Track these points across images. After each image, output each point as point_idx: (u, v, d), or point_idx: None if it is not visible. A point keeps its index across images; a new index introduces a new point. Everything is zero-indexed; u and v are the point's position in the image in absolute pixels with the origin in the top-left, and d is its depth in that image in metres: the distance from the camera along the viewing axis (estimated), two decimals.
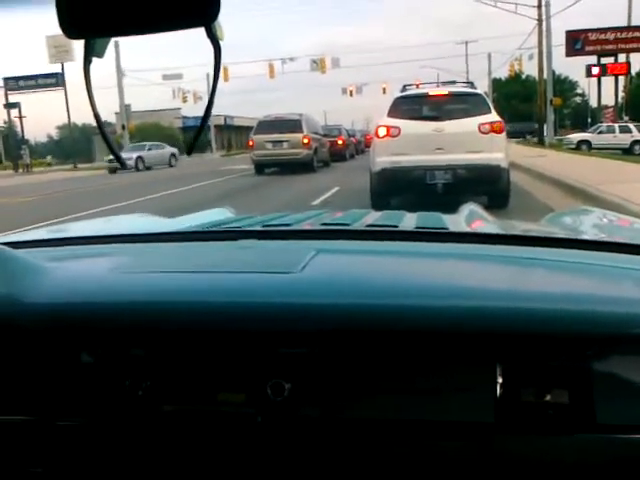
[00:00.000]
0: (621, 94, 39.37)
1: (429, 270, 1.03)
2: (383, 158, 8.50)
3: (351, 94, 54.45)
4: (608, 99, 41.91)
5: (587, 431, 0.77)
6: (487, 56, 52.79)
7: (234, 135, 64.10)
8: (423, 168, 8.26)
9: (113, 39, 0.73)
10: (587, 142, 30.04)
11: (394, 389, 0.81)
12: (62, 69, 38.77)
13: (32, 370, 0.88)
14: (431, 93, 9.11)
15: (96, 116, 0.74)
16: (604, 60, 35.93)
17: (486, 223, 1.78)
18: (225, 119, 60.30)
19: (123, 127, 39.13)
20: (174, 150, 33.00)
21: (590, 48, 35.92)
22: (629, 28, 36.15)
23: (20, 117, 41.09)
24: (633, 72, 43.73)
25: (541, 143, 30.03)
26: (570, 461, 0.78)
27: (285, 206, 9.37)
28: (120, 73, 39.68)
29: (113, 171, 28.25)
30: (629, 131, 30.08)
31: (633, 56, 37.20)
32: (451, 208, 1.98)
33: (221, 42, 0.67)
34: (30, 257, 1.04)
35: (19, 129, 42.59)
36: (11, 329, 0.88)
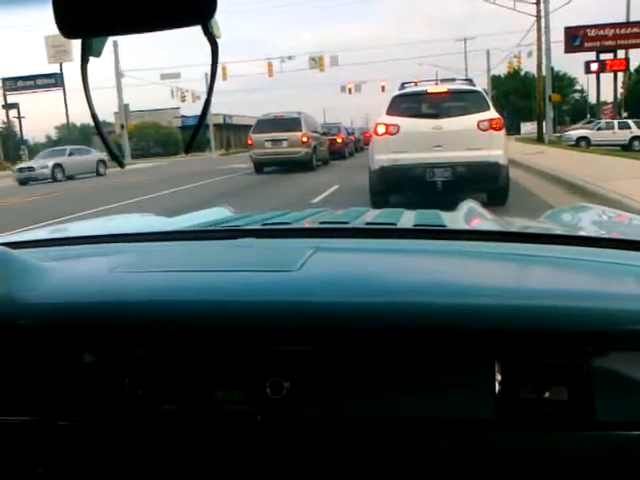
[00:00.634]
0: (620, 90, 39.38)
1: (427, 268, 1.03)
2: (382, 156, 8.50)
3: (350, 92, 54.48)
4: (607, 95, 41.96)
5: (586, 428, 0.77)
6: (486, 53, 52.77)
7: (233, 134, 64.07)
8: (422, 166, 8.26)
9: (111, 38, 0.73)
10: (586, 138, 30.04)
11: (393, 386, 0.81)
12: (61, 69, 38.82)
13: (32, 370, 0.88)
14: (430, 91, 9.10)
15: (94, 116, 0.74)
16: (603, 56, 35.90)
17: (485, 220, 1.78)
18: (224, 118, 60.27)
19: (122, 127, 39.13)
20: (102, 156, 26.61)
21: (589, 44, 35.87)
22: (628, 24, 36.10)
23: (19, 117, 41.12)
24: (632, 68, 43.73)
25: (540, 140, 30.01)
26: (569, 458, 0.78)
27: (285, 205, 9.37)
28: (119, 73, 39.68)
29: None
30: (628, 127, 30.07)
31: (632, 52, 37.21)
32: (450, 205, 1.98)
33: (218, 40, 0.67)
34: (29, 257, 1.04)
35: (18, 130, 42.58)
36: (11, 329, 0.88)
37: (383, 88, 47.61)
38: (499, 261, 1.06)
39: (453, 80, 11.11)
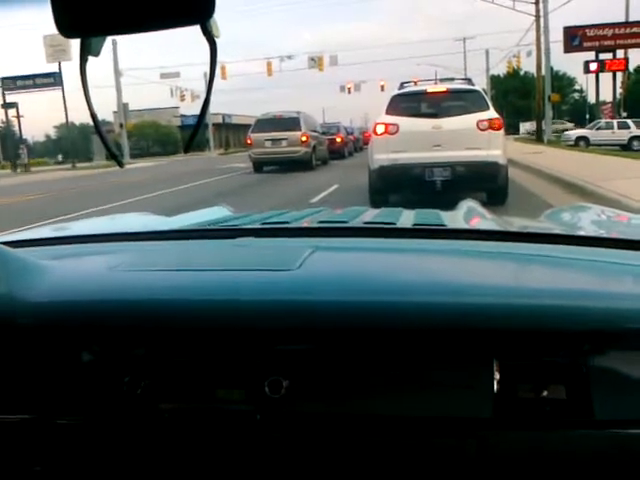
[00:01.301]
0: (619, 90, 39.39)
1: (426, 267, 1.03)
2: (381, 155, 8.50)
3: (349, 92, 54.44)
4: (606, 95, 41.95)
5: (584, 426, 0.77)
6: (485, 53, 52.77)
7: (232, 133, 64.04)
8: (421, 165, 8.26)
9: (110, 38, 0.73)
10: (585, 138, 30.04)
11: (391, 385, 0.81)
12: (59, 68, 38.69)
13: (31, 369, 0.88)
14: (429, 90, 9.11)
15: (93, 115, 0.74)
16: (602, 56, 35.89)
17: (484, 220, 1.78)
18: (223, 117, 60.24)
19: (121, 126, 39.10)
20: None
21: (588, 44, 35.84)
22: (627, 24, 36.08)
23: (18, 117, 40.98)
24: (631, 68, 43.75)
25: (539, 140, 30.02)
26: (568, 456, 0.78)
27: (284, 204, 9.36)
28: (118, 72, 39.65)
29: None
30: (627, 127, 30.08)
31: (631, 52, 37.19)
32: (449, 205, 1.98)
33: (217, 40, 0.67)
34: (28, 256, 1.04)
35: (17, 129, 42.51)
36: (10, 328, 0.88)
37: (382, 88, 47.60)
38: (498, 260, 1.06)
39: (452, 80, 11.12)
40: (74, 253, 1.19)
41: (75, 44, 0.70)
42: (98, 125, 0.77)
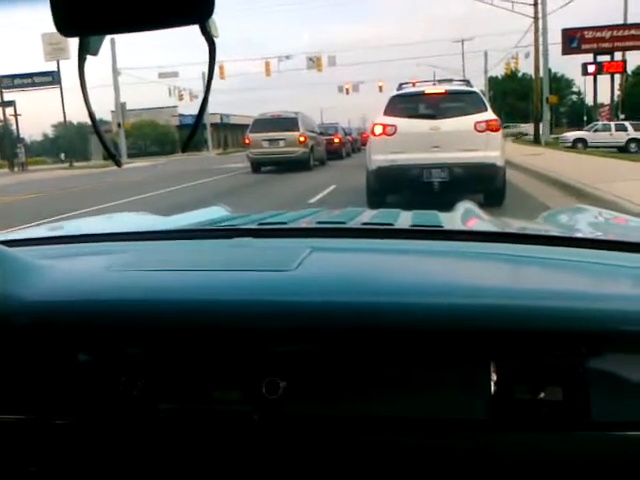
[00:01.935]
0: (617, 92, 39.45)
1: (423, 268, 1.03)
2: (379, 156, 8.50)
3: (347, 92, 54.44)
4: (604, 97, 42.04)
5: (581, 428, 0.77)
6: (483, 54, 52.85)
7: (230, 133, 64.04)
8: (419, 166, 8.26)
9: (109, 36, 0.73)
10: (583, 140, 30.09)
11: (388, 387, 0.81)
12: (58, 67, 38.65)
13: (27, 369, 0.88)
14: (427, 91, 9.12)
15: (91, 114, 0.74)
16: (600, 58, 35.96)
17: (481, 221, 1.78)
18: (221, 117, 60.22)
19: (119, 125, 39.04)
20: None
21: (586, 46, 35.93)
22: (625, 26, 36.17)
23: (15, 115, 40.91)
24: (629, 70, 43.80)
25: (537, 141, 30.06)
26: (564, 458, 0.78)
27: (282, 204, 9.37)
28: (116, 71, 39.61)
29: None
30: (625, 129, 30.14)
31: (629, 54, 37.27)
32: (447, 206, 1.98)
33: (216, 40, 0.67)
34: (25, 255, 1.04)
35: (14, 128, 42.42)
36: (6, 328, 0.88)
37: (381, 88, 47.67)
38: (495, 262, 1.06)
39: (450, 81, 11.14)
40: (70, 253, 1.19)
41: (74, 43, 0.70)
42: (96, 124, 0.77)
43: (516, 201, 8.74)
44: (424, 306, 0.83)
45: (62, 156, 41.72)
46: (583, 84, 60.82)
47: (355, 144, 33.51)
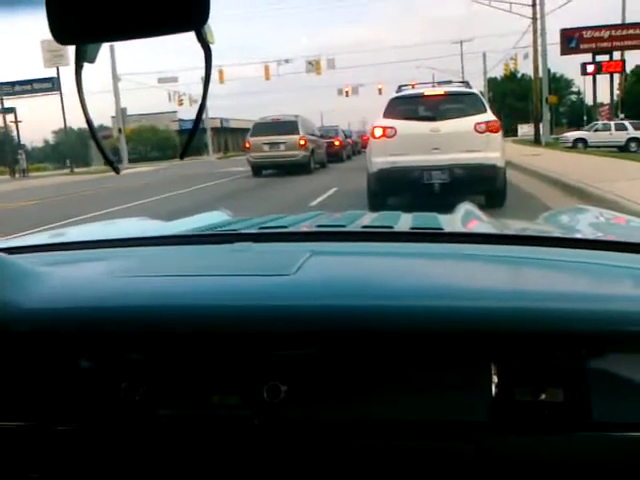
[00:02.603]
0: (616, 92, 39.46)
1: (424, 271, 1.03)
2: (380, 159, 8.51)
3: (347, 95, 54.44)
4: (603, 97, 42.05)
5: (583, 429, 0.77)
6: (482, 55, 52.89)
7: (230, 137, 64.12)
8: (420, 168, 8.27)
9: (107, 43, 0.74)
10: (583, 140, 30.10)
11: (390, 390, 0.81)
12: (57, 73, 38.70)
13: (29, 376, 0.88)
14: (427, 93, 9.12)
15: (88, 122, 0.74)
16: (599, 58, 35.98)
17: (482, 222, 1.78)
18: (221, 121, 60.31)
19: (119, 131, 39.09)
20: None
21: (585, 46, 35.96)
22: (623, 26, 36.20)
23: (16, 122, 41.00)
24: (628, 70, 43.84)
25: (537, 142, 30.06)
26: (566, 460, 0.78)
27: (283, 208, 9.37)
28: (116, 77, 39.68)
29: None
30: (625, 129, 30.15)
31: (628, 54, 37.29)
32: (448, 207, 1.98)
33: (216, 44, 0.67)
34: (25, 263, 1.04)
35: (15, 134, 42.49)
36: (7, 335, 0.88)
37: (380, 91, 47.76)
38: (496, 264, 1.06)
39: (450, 82, 11.13)
40: (71, 259, 1.19)
41: (73, 49, 0.70)
42: (94, 131, 0.77)
43: (517, 202, 8.74)
44: (424, 309, 0.83)
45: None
46: (582, 84, 60.91)
47: (355, 147, 33.54)
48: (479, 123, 8.36)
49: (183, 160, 31.79)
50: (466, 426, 0.79)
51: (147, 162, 44.98)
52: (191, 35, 0.66)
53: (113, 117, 42.51)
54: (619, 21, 36.79)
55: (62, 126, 43.39)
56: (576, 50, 36.15)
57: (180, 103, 51.07)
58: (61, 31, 0.67)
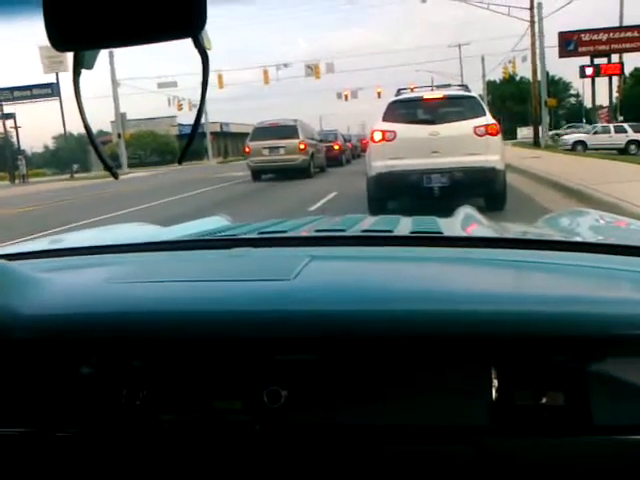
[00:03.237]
0: (615, 94, 39.52)
1: (423, 275, 1.03)
2: (379, 162, 8.51)
3: (346, 99, 54.54)
4: (602, 99, 42.10)
5: (583, 433, 0.77)
6: (481, 59, 53.00)
7: (230, 142, 64.18)
8: (419, 172, 8.27)
9: (105, 50, 0.74)
10: (582, 143, 30.13)
11: (390, 394, 0.81)
12: (57, 79, 38.78)
13: (29, 382, 0.88)
14: (426, 97, 9.14)
15: (86, 127, 0.75)
16: (597, 61, 36.05)
17: (481, 226, 1.78)
18: (221, 126, 60.38)
19: (119, 136, 39.14)
20: None
21: (583, 49, 36.04)
22: (621, 28, 36.29)
23: (16, 127, 41.08)
24: (627, 72, 43.93)
25: (536, 144, 30.10)
26: (567, 463, 0.78)
27: (282, 213, 9.37)
28: (115, 82, 39.75)
29: None
30: (624, 131, 30.17)
31: (626, 56, 37.37)
32: (448, 211, 1.98)
33: (214, 48, 0.68)
34: (25, 269, 1.04)
35: (15, 140, 42.56)
36: (7, 341, 0.88)
37: (379, 94, 47.74)
38: (495, 268, 1.06)
39: (449, 86, 11.15)
40: (71, 265, 1.19)
41: (71, 55, 0.70)
42: (92, 137, 0.77)
43: (517, 204, 8.74)
44: (424, 313, 0.83)
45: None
46: (581, 86, 60.98)
47: (355, 150, 33.58)
48: (478, 126, 8.37)
49: (182, 165, 31.82)
50: (466, 430, 0.79)
51: (147, 167, 45.05)
52: (189, 40, 0.66)
53: (112, 122, 42.54)
54: (617, 24, 36.89)
55: (62, 132, 43.52)
56: (574, 53, 36.22)
57: (179, 108, 51.14)
58: (59, 38, 0.67)
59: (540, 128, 31.44)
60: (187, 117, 53.86)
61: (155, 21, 0.65)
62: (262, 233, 1.46)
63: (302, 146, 19.30)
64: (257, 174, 19.67)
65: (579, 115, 54.09)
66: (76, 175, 38.95)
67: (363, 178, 9.26)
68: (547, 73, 35.85)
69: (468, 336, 0.80)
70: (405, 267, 1.09)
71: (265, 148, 19.20)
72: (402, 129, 8.52)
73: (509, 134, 44.09)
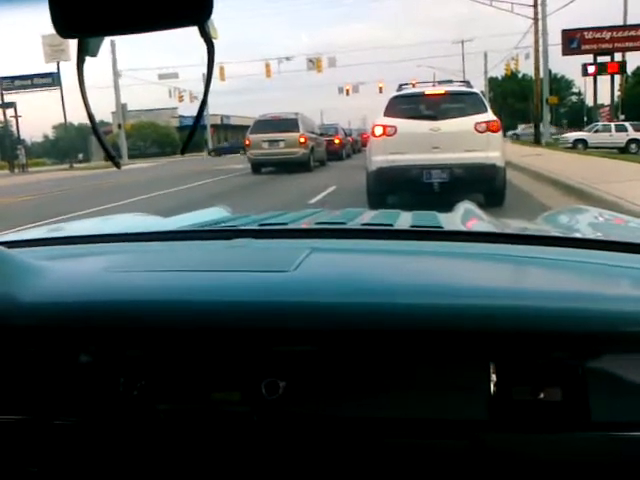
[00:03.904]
0: (617, 93, 39.46)
1: (423, 269, 1.03)
2: (380, 157, 8.50)
3: (347, 93, 54.42)
4: (604, 98, 42.05)
5: (581, 429, 0.77)
6: (483, 55, 52.88)
7: (231, 134, 64.06)
8: (420, 167, 8.26)
9: (108, 38, 0.73)
10: (583, 141, 30.09)
11: (388, 387, 0.81)
12: (58, 68, 38.65)
13: (27, 370, 0.88)
14: (427, 92, 9.12)
15: (90, 116, 0.74)
16: (600, 59, 35.96)
17: (481, 221, 1.78)
18: (222, 118, 60.28)
19: (119, 126, 39.08)
20: None
21: (586, 47, 35.92)
22: (625, 27, 36.17)
23: (16, 117, 40.95)
24: (629, 71, 43.80)
25: (537, 142, 30.06)
26: (564, 458, 0.78)
27: (282, 205, 9.36)
28: (116, 72, 39.64)
29: None
30: (625, 130, 30.13)
31: (629, 55, 37.26)
32: (447, 206, 1.98)
33: (216, 41, 0.67)
34: (25, 257, 1.04)
35: (15, 129, 42.45)
36: (5, 329, 0.88)
37: (381, 89, 47.65)
38: (494, 263, 1.06)
39: (450, 82, 11.13)
40: (71, 254, 1.19)
41: (74, 44, 0.70)
42: (96, 126, 0.77)
43: (517, 201, 8.74)
44: (423, 307, 0.83)
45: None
46: (583, 85, 60.88)
47: (355, 145, 33.50)
48: (479, 123, 8.36)
49: (182, 157, 31.76)
50: (464, 424, 0.79)
51: (147, 158, 44.95)
52: (193, 31, 0.66)
53: (113, 113, 42.44)
54: (621, 22, 36.78)
55: (62, 121, 43.40)
56: (577, 51, 36.10)
57: (180, 99, 51.05)
58: (64, 25, 0.67)
59: (541, 126, 31.38)
60: (188, 109, 53.86)
61: (162, 8, 0.64)
62: (262, 225, 1.46)
63: (302, 139, 19.26)
64: (257, 167, 19.64)
65: (580, 113, 54.00)
66: (75, 165, 38.85)
67: (363, 172, 9.25)
68: (550, 71, 35.76)
69: (467, 330, 0.81)
70: (405, 261, 1.09)
71: (265, 141, 19.17)
72: (403, 124, 8.50)
73: (511, 130, 43.99)
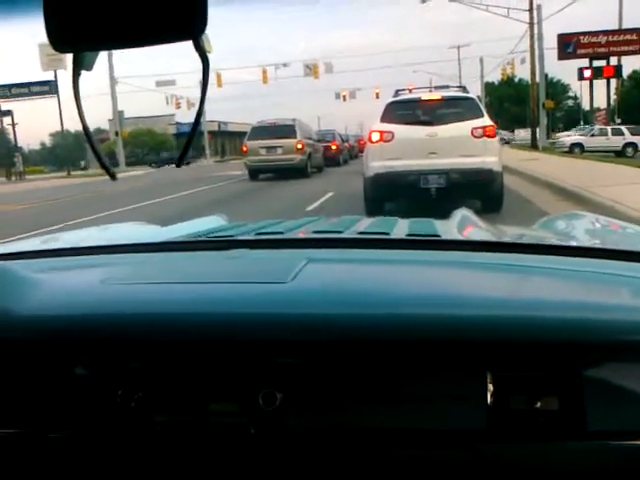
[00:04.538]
0: (613, 97, 39.61)
1: (420, 279, 1.03)
2: (377, 163, 8.51)
3: (344, 99, 54.48)
4: (600, 102, 42.20)
5: (578, 438, 0.77)
6: (479, 60, 53.02)
7: (228, 141, 64.17)
8: (417, 173, 8.27)
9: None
10: (580, 145, 30.18)
11: (386, 398, 0.81)
12: (55, 77, 38.72)
13: (23, 382, 0.88)
14: (424, 98, 9.14)
15: (85, 128, 0.75)
16: (596, 63, 36.10)
17: (478, 229, 1.78)
18: (219, 125, 60.35)
19: (116, 134, 39.08)
20: None
21: (582, 51, 36.08)
22: (620, 31, 36.35)
23: (13, 125, 41.02)
24: (625, 75, 44.01)
25: (534, 146, 30.12)
26: (561, 468, 0.78)
27: (279, 212, 9.37)
28: (113, 80, 39.67)
29: None
30: (621, 134, 30.23)
31: (625, 59, 37.43)
32: (445, 212, 1.98)
33: (213, 48, 0.68)
34: (20, 269, 1.04)
35: (12, 137, 42.45)
36: (1, 341, 0.88)
37: (377, 95, 47.66)
38: (491, 272, 1.06)
39: (447, 87, 11.16)
40: (66, 266, 1.19)
41: (71, 56, 0.70)
42: (90, 137, 0.77)
43: (514, 206, 8.74)
44: (420, 317, 0.83)
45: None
46: (579, 89, 61.03)
47: (352, 151, 33.52)
48: (476, 128, 8.38)
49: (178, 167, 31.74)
50: (462, 434, 0.79)
51: (144, 165, 44.96)
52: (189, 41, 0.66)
53: (110, 120, 42.48)
54: (616, 26, 36.94)
55: (59, 129, 43.41)
56: (573, 55, 36.25)
57: (178, 106, 51.05)
58: (59, 39, 0.67)
59: (538, 130, 31.47)
60: (185, 116, 53.84)
61: (156, 23, 0.65)
62: (259, 234, 1.46)
63: (299, 146, 19.28)
64: (254, 173, 19.65)
65: (577, 117, 54.16)
66: (73, 173, 38.85)
67: (360, 178, 9.25)
68: (546, 75, 35.90)
69: (463, 340, 0.81)
70: (402, 271, 1.09)
71: (263, 147, 19.18)
72: (400, 130, 8.51)
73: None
